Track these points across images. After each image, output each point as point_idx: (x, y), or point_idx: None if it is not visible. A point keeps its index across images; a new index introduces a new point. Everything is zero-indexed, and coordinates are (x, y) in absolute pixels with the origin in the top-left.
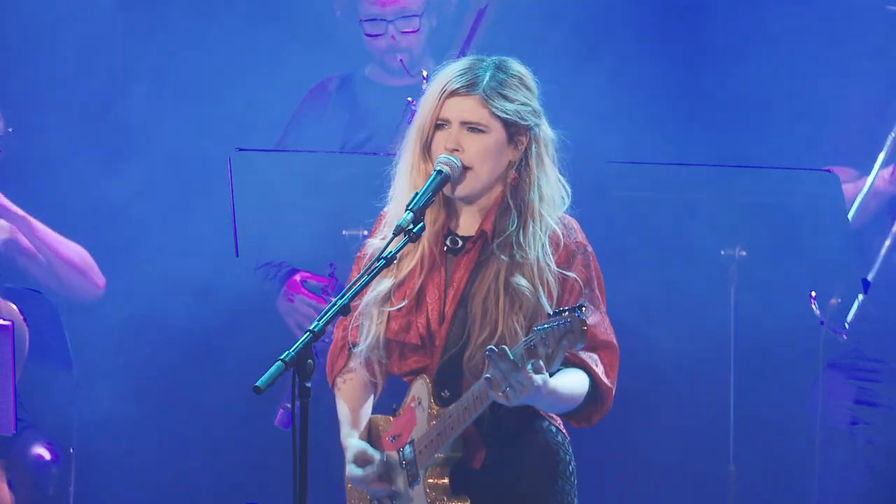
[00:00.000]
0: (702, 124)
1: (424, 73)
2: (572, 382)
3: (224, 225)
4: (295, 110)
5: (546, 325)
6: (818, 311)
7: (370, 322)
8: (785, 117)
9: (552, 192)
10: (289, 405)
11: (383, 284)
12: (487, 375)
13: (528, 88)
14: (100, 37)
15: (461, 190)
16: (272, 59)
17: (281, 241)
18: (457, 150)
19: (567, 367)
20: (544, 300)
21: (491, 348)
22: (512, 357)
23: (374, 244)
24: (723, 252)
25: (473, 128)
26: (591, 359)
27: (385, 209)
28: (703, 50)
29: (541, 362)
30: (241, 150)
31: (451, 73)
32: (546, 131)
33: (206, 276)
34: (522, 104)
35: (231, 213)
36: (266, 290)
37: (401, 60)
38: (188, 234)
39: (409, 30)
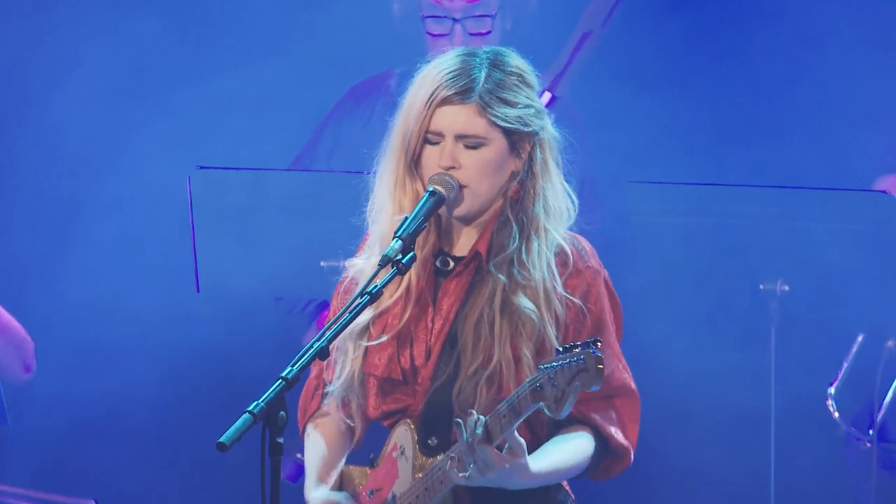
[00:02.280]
0: (734, 139)
1: None
2: (565, 454)
3: (183, 255)
4: (330, 111)
5: (555, 363)
6: (836, 413)
7: (345, 357)
8: (831, 130)
9: (558, 204)
10: (300, 455)
11: (362, 315)
12: (452, 454)
13: (529, 86)
14: (30, 38)
15: (459, 211)
16: (234, 63)
17: (248, 274)
18: (453, 168)
19: (568, 422)
20: (551, 328)
21: (457, 420)
22: (475, 427)
23: (358, 265)
24: (762, 286)
25: (471, 142)
26: (603, 411)
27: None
28: (733, 58)
29: (520, 439)
30: (202, 167)
31: (440, 74)
32: (550, 132)
33: (166, 310)
34: (525, 107)
35: (191, 242)
36: (286, 323)
37: None
38: (142, 263)
39: (479, 31)
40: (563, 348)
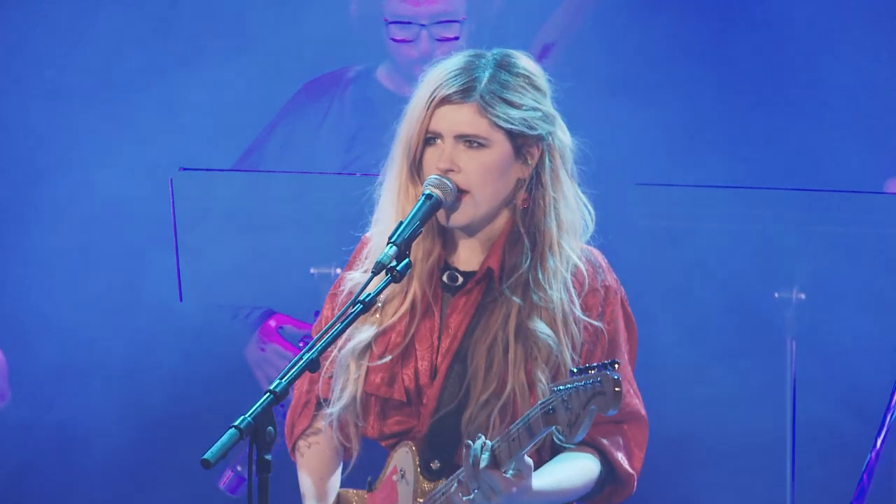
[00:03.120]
0: (747, 140)
1: None
2: (570, 475)
3: (167, 262)
4: (282, 107)
5: (569, 385)
6: None
7: (346, 377)
8: (846, 130)
9: (572, 217)
10: (240, 468)
11: (364, 333)
12: (459, 478)
13: (537, 89)
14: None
15: (457, 219)
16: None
17: (234, 282)
18: (451, 171)
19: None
20: (568, 352)
21: (467, 442)
22: (480, 452)
23: (354, 279)
24: (777, 295)
25: (471, 142)
26: (611, 437)
27: (367, 234)
28: (745, 57)
29: (528, 461)
30: (184, 169)
31: (442, 74)
32: (563, 139)
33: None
34: (531, 109)
35: (174, 248)
36: (234, 332)
37: None
38: (127, 272)
39: (446, 36)
40: (578, 370)
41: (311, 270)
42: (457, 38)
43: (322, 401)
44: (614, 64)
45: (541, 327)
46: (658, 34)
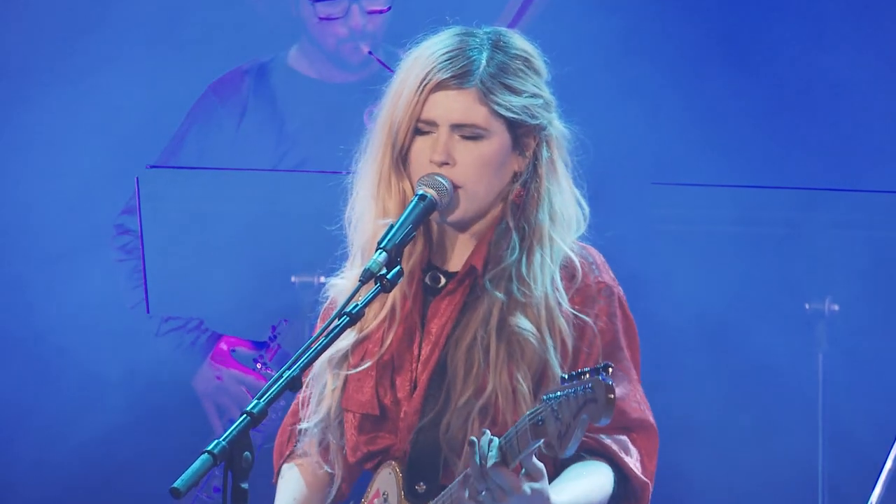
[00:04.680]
0: (773, 135)
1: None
2: (586, 487)
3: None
4: (185, 117)
5: (559, 393)
6: None
7: (323, 389)
8: (886, 124)
9: (566, 211)
10: (205, 496)
11: (343, 341)
12: (467, 471)
13: (536, 73)
14: None
15: (452, 216)
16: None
17: (209, 291)
18: (446, 164)
19: (584, 454)
20: (553, 352)
21: (471, 439)
22: (487, 449)
23: (339, 285)
24: (807, 306)
25: (469, 133)
26: (619, 443)
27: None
28: (768, 48)
29: (539, 464)
30: (152, 167)
31: (433, 55)
32: (559, 128)
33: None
34: (532, 96)
35: (140, 253)
36: (176, 361)
37: (369, 53)
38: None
39: (377, 8)
40: (570, 375)
41: (293, 279)
42: (389, 9)
43: (304, 422)
44: (631, 59)
45: (523, 323)
46: (677, 30)
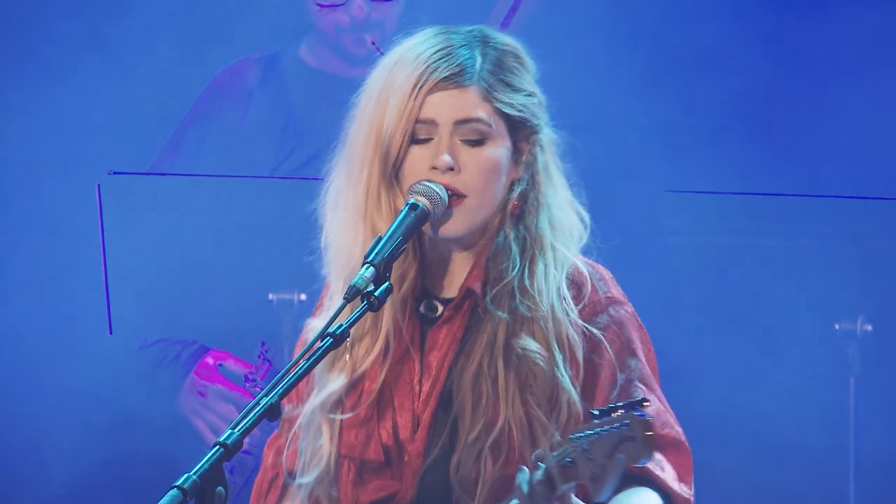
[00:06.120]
0: (796, 140)
1: None
2: None
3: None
4: (189, 110)
5: (589, 432)
6: None
7: (317, 438)
8: None
9: (566, 218)
10: None
11: (334, 383)
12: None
13: (528, 70)
14: None
15: (449, 229)
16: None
17: (176, 311)
18: (451, 170)
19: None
20: (563, 368)
21: (521, 467)
22: (535, 473)
23: (316, 328)
24: (837, 326)
25: (472, 135)
26: (657, 463)
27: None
28: (794, 49)
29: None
30: (115, 173)
31: (421, 55)
32: (550, 132)
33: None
34: (529, 94)
35: (102, 270)
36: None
37: (372, 43)
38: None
39: None
40: (600, 411)
41: (270, 296)
42: None
43: (288, 474)
44: (646, 58)
45: (529, 345)
46: (695, 34)
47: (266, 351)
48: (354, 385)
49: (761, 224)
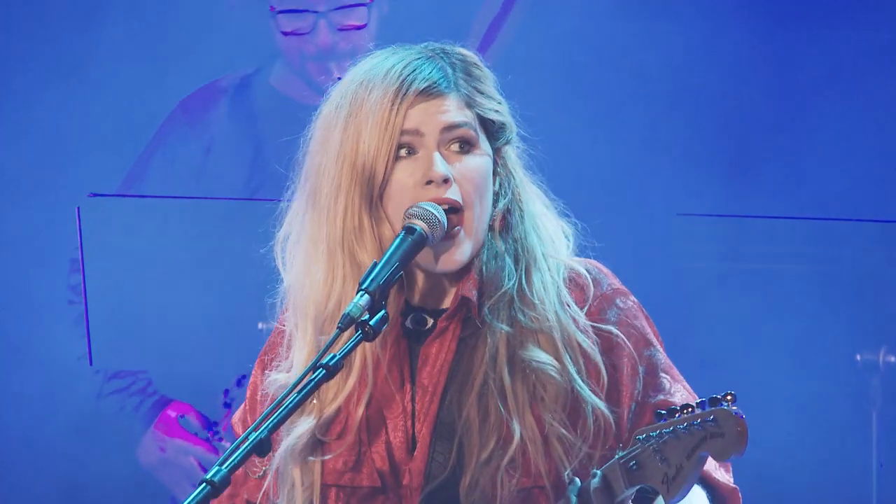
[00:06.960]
0: (809, 163)
1: None
2: None
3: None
4: (160, 126)
5: (664, 430)
6: None
7: (296, 480)
8: None
9: (549, 226)
10: None
11: (300, 427)
12: None
13: (490, 78)
14: None
15: (451, 260)
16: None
17: (160, 340)
18: (446, 182)
19: None
20: (579, 378)
21: (573, 478)
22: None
23: (280, 381)
24: (859, 357)
25: (461, 138)
26: None
27: (283, 321)
28: (814, 70)
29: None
30: (94, 195)
31: (390, 70)
32: (515, 141)
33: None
34: (500, 102)
35: (82, 297)
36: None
37: (338, 79)
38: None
39: (352, 24)
40: (669, 410)
41: (259, 325)
42: (364, 26)
43: None
44: (659, 79)
45: (539, 356)
46: (707, 53)
47: (231, 401)
48: (336, 415)
49: (776, 248)
